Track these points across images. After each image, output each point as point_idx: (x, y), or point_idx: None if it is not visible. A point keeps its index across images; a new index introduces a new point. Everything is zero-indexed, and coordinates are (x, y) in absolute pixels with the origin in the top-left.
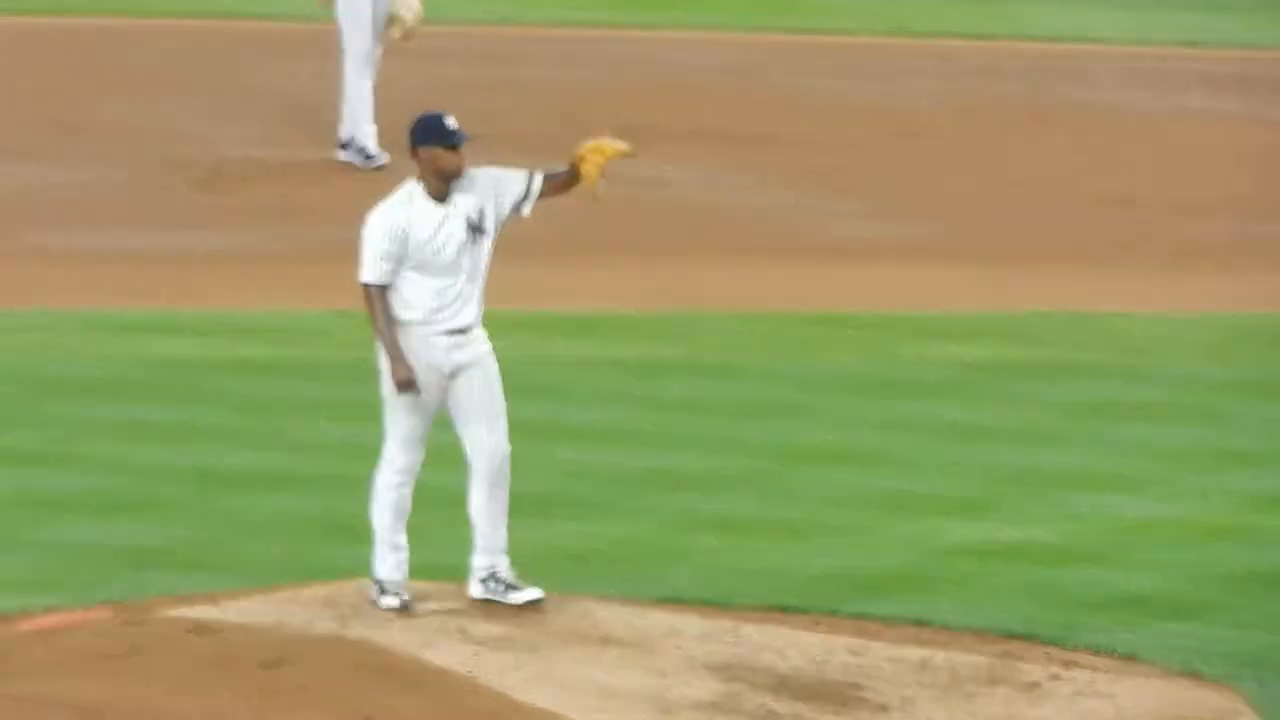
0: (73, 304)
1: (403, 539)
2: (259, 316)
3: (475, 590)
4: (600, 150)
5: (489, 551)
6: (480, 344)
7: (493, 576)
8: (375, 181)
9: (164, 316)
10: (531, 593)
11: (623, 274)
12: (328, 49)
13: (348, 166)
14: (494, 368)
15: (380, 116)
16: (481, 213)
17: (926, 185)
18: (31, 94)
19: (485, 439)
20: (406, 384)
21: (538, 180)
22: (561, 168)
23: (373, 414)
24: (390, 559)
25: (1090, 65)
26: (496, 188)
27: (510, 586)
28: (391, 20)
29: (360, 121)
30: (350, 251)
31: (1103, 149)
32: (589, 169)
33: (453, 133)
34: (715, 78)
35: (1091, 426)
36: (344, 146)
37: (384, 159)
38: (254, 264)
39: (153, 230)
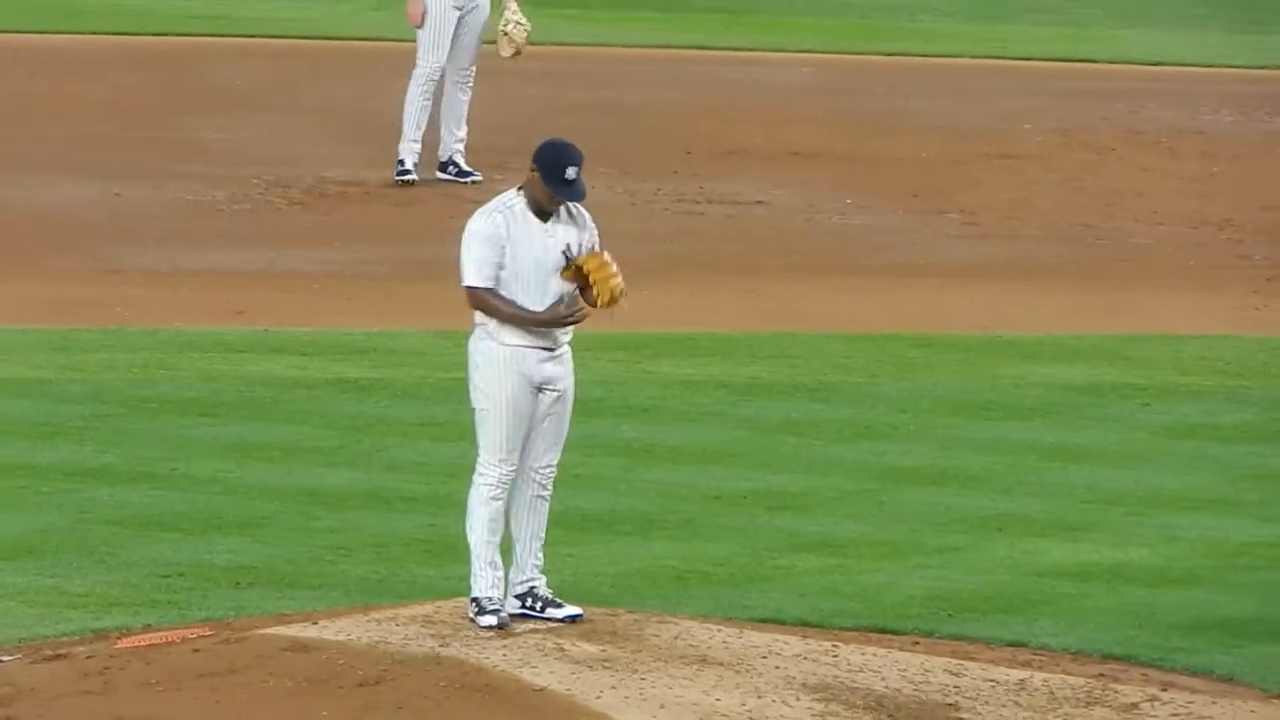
0: (174, 324)
1: (499, 556)
2: (359, 336)
3: (512, 606)
4: (605, 271)
5: (527, 568)
6: (567, 363)
7: (530, 593)
8: (475, 203)
9: (265, 336)
10: (571, 609)
11: (722, 294)
12: None
13: (448, 186)
14: (571, 393)
15: (479, 136)
16: (580, 248)
17: (1025, 207)
18: (132, 114)
19: (541, 457)
20: (560, 319)
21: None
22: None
23: (471, 434)
24: (487, 575)
25: (1189, 88)
26: (591, 241)
27: (549, 603)
28: (502, 38)
29: (407, 138)
30: (451, 271)
31: (1199, 172)
32: (600, 292)
33: (566, 185)
34: (814, 100)
35: (1190, 448)
36: (443, 168)
37: (415, 173)
38: (354, 284)
39: (253, 250)
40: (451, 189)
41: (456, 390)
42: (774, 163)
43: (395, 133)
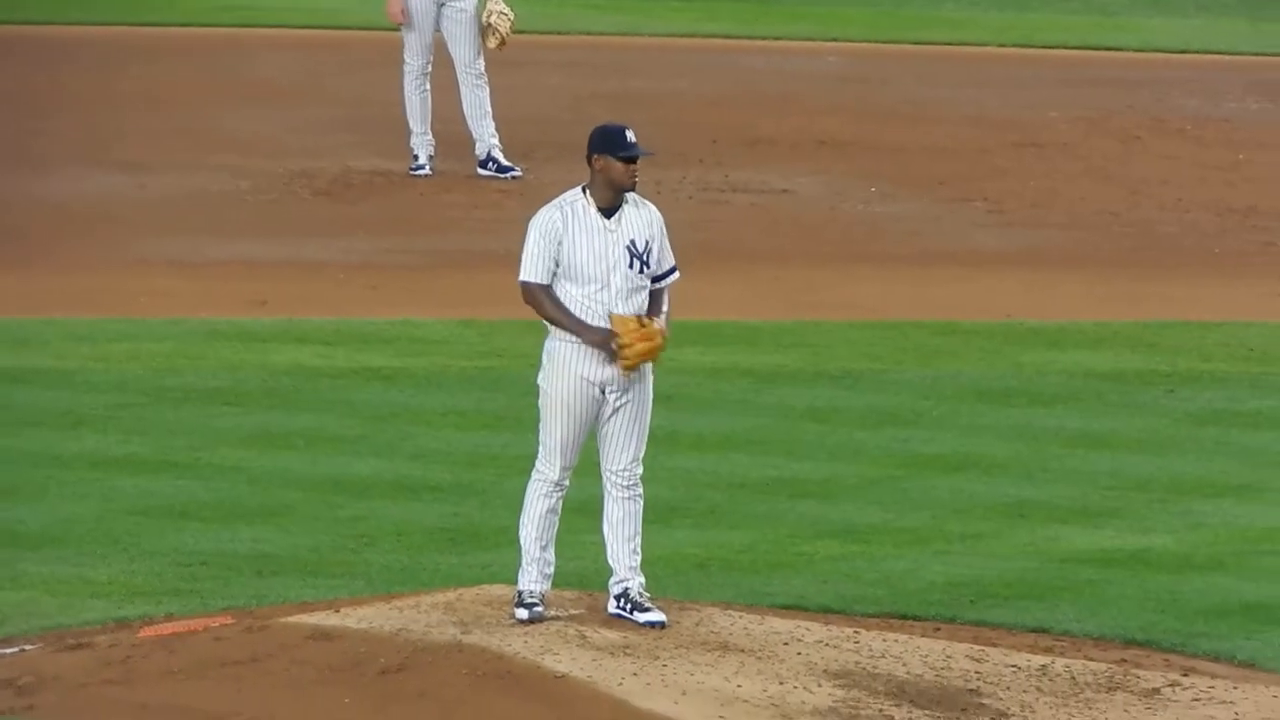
0: (199, 313)
1: (550, 553)
2: (384, 326)
3: (611, 607)
4: (636, 341)
5: (620, 570)
6: (639, 366)
7: (625, 595)
8: (502, 192)
9: (289, 326)
10: (655, 615)
11: (747, 282)
12: (450, 61)
13: (473, 176)
14: (648, 392)
15: (504, 128)
16: (647, 245)
17: (1050, 195)
18: (158, 104)
19: (621, 458)
20: (603, 343)
21: (669, 279)
22: (658, 309)
23: (497, 422)
24: (531, 571)
25: (1213, 76)
26: (662, 240)
27: (637, 606)
28: (486, 29)
29: (415, 133)
30: (476, 261)
31: (1225, 160)
32: (628, 357)
33: (631, 144)
34: (840, 88)
35: (1213, 435)
36: (483, 165)
37: (429, 167)
38: (379, 274)
39: (278, 240)
40: (477, 180)
41: (480, 379)
42: (799, 151)
43: (408, 131)
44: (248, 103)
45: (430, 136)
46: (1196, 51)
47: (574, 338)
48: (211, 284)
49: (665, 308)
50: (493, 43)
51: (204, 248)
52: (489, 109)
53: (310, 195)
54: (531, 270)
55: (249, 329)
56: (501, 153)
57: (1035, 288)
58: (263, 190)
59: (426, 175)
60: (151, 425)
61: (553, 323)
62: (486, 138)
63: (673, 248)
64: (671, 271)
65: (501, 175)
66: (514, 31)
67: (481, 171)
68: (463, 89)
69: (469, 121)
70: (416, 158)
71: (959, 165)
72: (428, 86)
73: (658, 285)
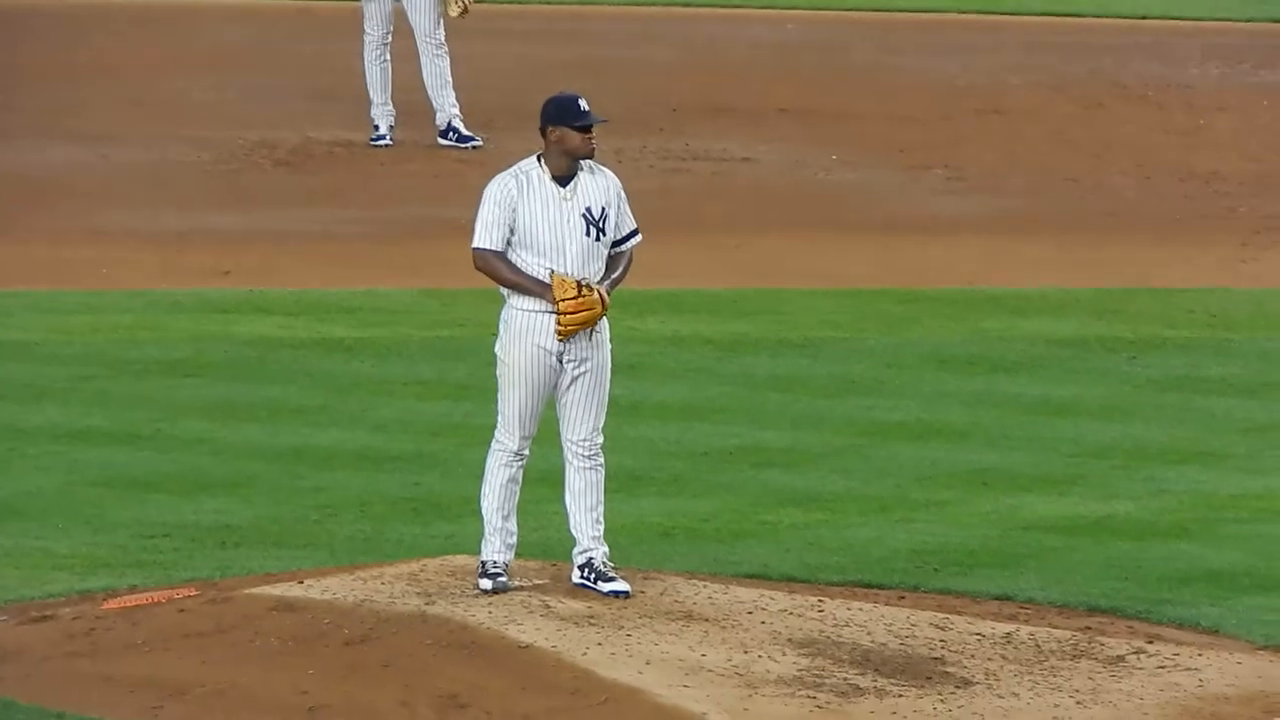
0: (161, 285)
1: (512, 523)
2: (346, 296)
3: (575, 577)
4: (589, 311)
5: (583, 541)
6: (596, 336)
7: (589, 564)
8: (463, 162)
9: (251, 297)
10: (619, 584)
11: (709, 251)
12: (411, 31)
13: (433, 146)
14: (606, 360)
15: (467, 96)
16: (604, 211)
17: (1012, 161)
18: (118, 75)
19: (580, 428)
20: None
21: (630, 243)
22: (615, 272)
23: (459, 392)
24: (495, 541)
25: (1174, 41)
26: (620, 205)
27: (601, 576)
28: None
29: (375, 103)
30: (437, 230)
31: (1187, 125)
32: (564, 323)
33: (585, 113)
34: (800, 56)
35: (1177, 401)
36: (444, 135)
37: (389, 138)
38: (340, 244)
39: (240, 211)
40: (437, 150)
41: (443, 349)
42: (760, 119)
43: (368, 101)
44: (208, 73)
45: (391, 107)
46: (1157, 17)
47: (530, 306)
48: (173, 255)
49: (619, 273)
50: (455, 11)
51: (165, 219)
52: (449, 78)
53: (271, 166)
54: (485, 237)
55: (211, 300)
56: (462, 122)
57: (997, 254)
58: (224, 161)
59: (387, 145)
60: (114, 397)
61: (510, 287)
62: (447, 107)
63: (634, 214)
64: (633, 234)
65: (462, 145)
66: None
67: (442, 141)
68: (423, 58)
69: (429, 91)
70: (377, 128)
71: (920, 132)
72: (388, 57)
73: (618, 249)
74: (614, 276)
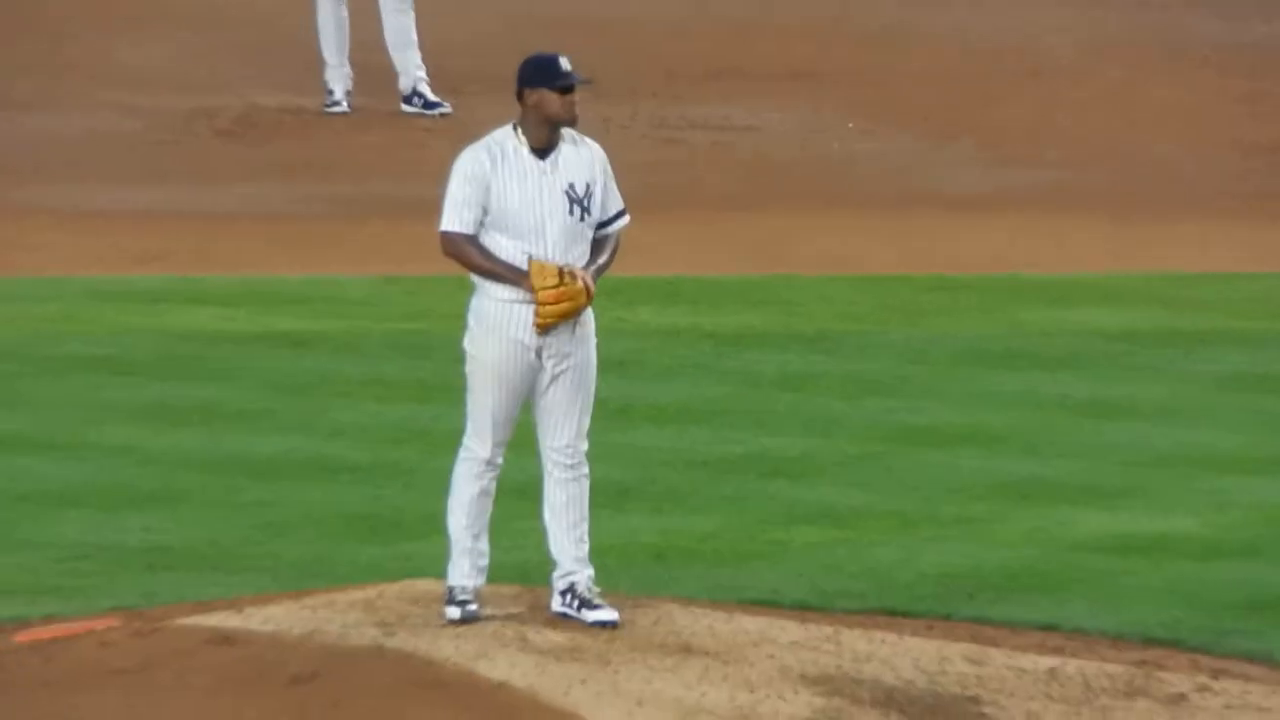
0: (82, 271)
1: (483, 542)
2: (295, 284)
3: (555, 605)
4: (572, 301)
5: (565, 563)
6: (580, 330)
7: (571, 590)
8: (428, 131)
9: (186, 285)
10: (605, 613)
11: (708, 232)
12: None
13: (396, 114)
14: (591, 357)
15: (431, 59)
16: (588, 187)
17: (1052, 130)
18: (37, 33)
19: (562, 434)
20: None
21: (617, 225)
22: (601, 258)
23: (425, 393)
24: (464, 563)
25: None
26: (606, 181)
27: (584, 603)
28: None
29: (330, 64)
30: (399, 209)
31: (1249, 90)
32: (543, 315)
33: (567, 73)
34: (812, 11)
35: (1242, 402)
36: (407, 100)
37: (346, 103)
38: (289, 224)
39: (174, 187)
40: (401, 118)
41: (405, 344)
42: (767, 83)
43: (321, 61)
44: (140, 30)
45: (348, 69)
46: None
47: (506, 295)
48: (99, 238)
49: (604, 258)
50: None
51: (91, 196)
52: (414, 37)
53: (211, 136)
54: (454, 219)
55: (141, 288)
56: (428, 87)
57: (1036, 235)
58: (157, 130)
59: (343, 113)
60: (30, 398)
61: (483, 274)
62: (411, 70)
63: (621, 193)
64: (620, 215)
65: (428, 112)
66: None
67: (405, 108)
68: (385, 15)
69: (391, 51)
70: (332, 93)
71: (947, 96)
72: (344, 12)
73: (604, 231)
74: (600, 262)
